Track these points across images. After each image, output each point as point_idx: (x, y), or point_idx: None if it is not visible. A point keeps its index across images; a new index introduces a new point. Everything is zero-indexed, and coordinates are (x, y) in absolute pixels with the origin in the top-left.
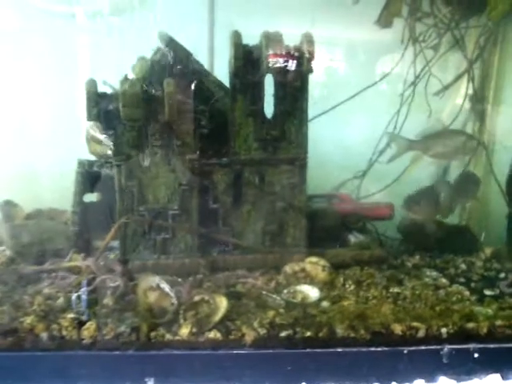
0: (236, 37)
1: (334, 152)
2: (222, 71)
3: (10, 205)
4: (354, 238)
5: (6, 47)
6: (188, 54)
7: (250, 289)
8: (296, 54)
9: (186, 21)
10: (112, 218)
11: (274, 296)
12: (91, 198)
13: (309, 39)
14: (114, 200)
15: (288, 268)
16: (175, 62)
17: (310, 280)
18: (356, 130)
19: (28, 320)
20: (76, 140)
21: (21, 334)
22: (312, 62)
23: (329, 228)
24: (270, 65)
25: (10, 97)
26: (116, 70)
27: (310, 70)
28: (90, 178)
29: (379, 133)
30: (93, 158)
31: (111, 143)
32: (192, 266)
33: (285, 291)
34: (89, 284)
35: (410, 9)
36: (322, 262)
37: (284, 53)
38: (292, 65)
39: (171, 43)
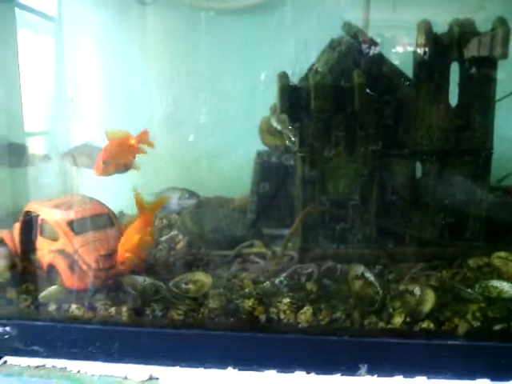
0: (425, 25)
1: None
2: None
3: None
4: None
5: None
6: (374, 44)
7: (439, 281)
8: (485, 41)
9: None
10: (288, 208)
11: (469, 290)
12: (268, 187)
13: (502, 23)
14: (289, 190)
15: (472, 262)
16: (360, 53)
17: (499, 275)
18: None
19: (249, 302)
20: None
21: (242, 316)
22: (506, 49)
23: (506, 222)
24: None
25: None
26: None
27: (503, 56)
28: (268, 168)
29: None
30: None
31: (295, 135)
32: (371, 257)
33: (476, 286)
34: (286, 270)
35: None
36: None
37: (471, 41)
38: (480, 53)
39: (358, 34)
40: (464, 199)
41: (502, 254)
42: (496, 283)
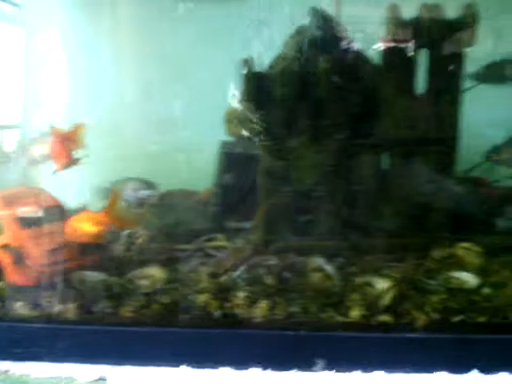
0: (392, 10)
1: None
2: None
3: (147, 185)
4: (502, 222)
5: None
6: (342, 31)
7: (402, 273)
8: (453, 27)
9: None
10: (252, 199)
11: (430, 281)
12: (231, 178)
13: (468, 11)
14: (254, 181)
15: (435, 253)
16: (328, 38)
17: (462, 266)
18: (488, 109)
19: (202, 297)
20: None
21: (196, 311)
22: (472, 35)
23: (473, 212)
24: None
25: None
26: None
27: (469, 44)
28: (231, 158)
29: None
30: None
31: (259, 123)
32: (335, 249)
33: (438, 277)
34: (245, 263)
35: None
36: (475, 247)
37: (439, 25)
38: (447, 39)
39: (326, 19)
40: (430, 190)
41: (466, 244)
42: (458, 274)
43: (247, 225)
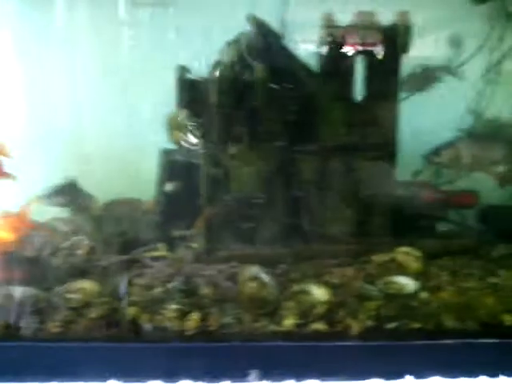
0: (327, 19)
1: (409, 138)
2: None
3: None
4: (442, 226)
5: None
6: (278, 37)
7: (341, 279)
8: (388, 34)
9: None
10: (195, 208)
11: (370, 287)
12: (174, 186)
13: (403, 18)
14: (197, 189)
15: (376, 258)
16: (265, 46)
17: (402, 270)
18: (433, 114)
19: (132, 310)
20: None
21: (125, 325)
22: (406, 42)
23: (414, 217)
24: (360, 44)
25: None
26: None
27: (404, 50)
28: (172, 167)
29: (459, 116)
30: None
31: (198, 131)
32: (277, 256)
33: (378, 282)
34: (183, 274)
35: None
36: (415, 251)
37: (375, 33)
38: (383, 46)
39: (262, 26)
40: (371, 195)
41: (405, 249)
42: (397, 279)
43: (190, 233)
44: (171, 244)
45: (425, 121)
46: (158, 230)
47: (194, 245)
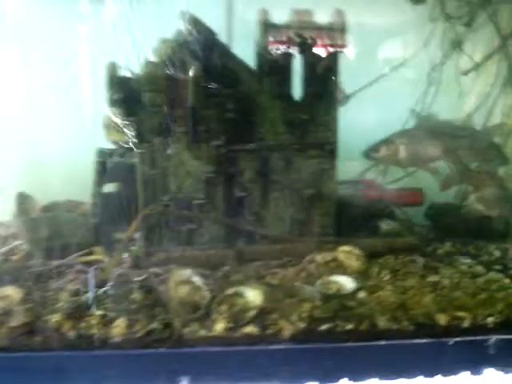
0: (263, 14)
1: (357, 138)
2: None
3: (24, 197)
4: (385, 225)
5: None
6: (213, 35)
7: (282, 280)
8: (325, 32)
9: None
10: (134, 209)
11: (309, 287)
12: (111, 188)
13: (339, 16)
14: (135, 190)
15: (319, 257)
16: (200, 44)
17: (344, 270)
18: (380, 113)
19: (55, 318)
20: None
21: (48, 333)
22: (343, 40)
23: (358, 215)
24: (298, 45)
25: (20, 83)
26: (136, 54)
27: (342, 48)
28: (109, 167)
29: (404, 116)
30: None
31: (132, 130)
32: (219, 258)
33: (318, 282)
34: (114, 279)
35: None
36: (356, 251)
37: (312, 32)
38: (320, 44)
39: (196, 24)
40: (313, 194)
41: (346, 248)
42: (336, 279)
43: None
44: (109, 247)
45: (371, 119)
46: (96, 232)
47: (133, 248)
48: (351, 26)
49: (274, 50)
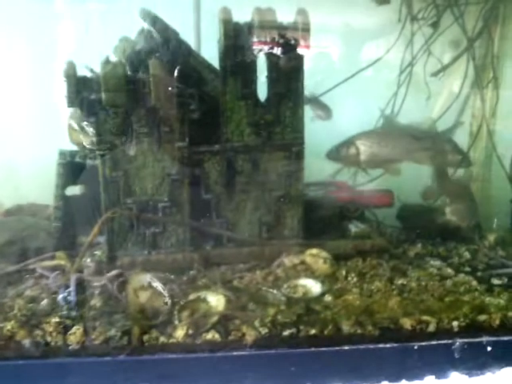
0: (225, 13)
1: (328, 138)
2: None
3: None
4: (354, 227)
5: None
6: (175, 34)
7: (249, 284)
8: (289, 31)
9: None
10: (97, 212)
11: (274, 291)
12: (74, 190)
13: (303, 15)
14: (99, 192)
15: (287, 261)
16: (161, 43)
17: (311, 273)
18: (351, 115)
19: (8, 326)
20: (57, 129)
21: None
22: (308, 40)
23: (327, 217)
24: (261, 43)
25: None
26: (98, 54)
27: (306, 48)
28: (72, 169)
29: (375, 117)
30: (75, 147)
31: (93, 131)
32: (185, 262)
33: (285, 286)
34: (73, 284)
35: None
36: (323, 253)
37: (276, 30)
38: (285, 43)
39: (156, 22)
40: (280, 196)
41: (314, 250)
42: (303, 282)
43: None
44: (72, 252)
45: (341, 120)
46: (58, 236)
47: (96, 252)
48: (322, 27)
49: (237, 49)
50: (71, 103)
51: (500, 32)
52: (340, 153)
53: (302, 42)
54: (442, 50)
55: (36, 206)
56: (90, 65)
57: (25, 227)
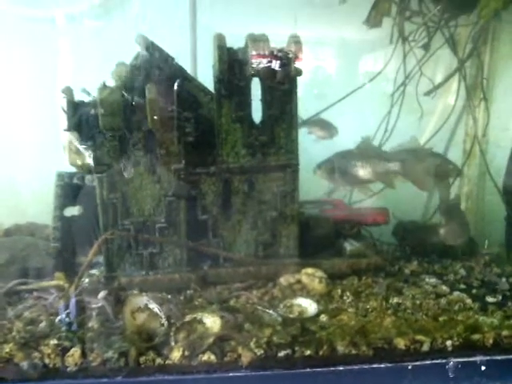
0: (220, 39)
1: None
2: (205, 78)
3: None
4: (349, 245)
5: None
6: (169, 58)
7: (245, 304)
8: (282, 56)
9: (167, 25)
10: (95, 233)
11: (270, 311)
12: (73, 211)
13: (296, 40)
14: (97, 214)
15: (283, 280)
16: (156, 67)
17: (307, 293)
18: (345, 132)
19: (7, 348)
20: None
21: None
22: (300, 64)
23: (323, 236)
24: (255, 66)
25: None
26: (97, 76)
27: (299, 73)
28: (70, 190)
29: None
30: (73, 169)
31: (91, 154)
32: (182, 282)
33: (281, 305)
34: (72, 305)
35: (399, 8)
36: (319, 272)
37: (269, 54)
38: (278, 67)
39: (151, 47)
40: (275, 216)
41: (309, 270)
42: (299, 301)
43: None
44: (70, 272)
45: (338, 139)
46: (57, 257)
47: (94, 272)
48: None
49: (232, 72)
50: (69, 126)
51: (490, 53)
52: (320, 170)
53: (294, 66)
54: (433, 71)
55: (35, 226)
56: (88, 88)
57: (23, 247)
